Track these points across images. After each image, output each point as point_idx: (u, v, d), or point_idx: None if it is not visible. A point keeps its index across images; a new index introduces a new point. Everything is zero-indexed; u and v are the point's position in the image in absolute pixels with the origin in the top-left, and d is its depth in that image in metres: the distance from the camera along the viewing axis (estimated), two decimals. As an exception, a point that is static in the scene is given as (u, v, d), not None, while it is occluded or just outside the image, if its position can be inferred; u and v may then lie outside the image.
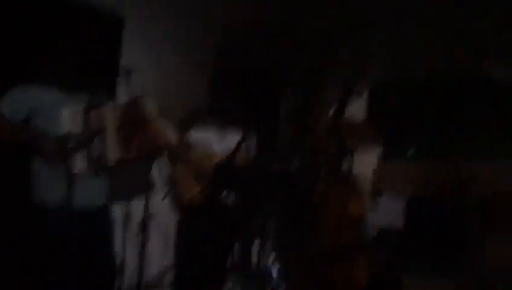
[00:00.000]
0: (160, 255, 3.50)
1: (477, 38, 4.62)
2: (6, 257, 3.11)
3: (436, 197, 6.98)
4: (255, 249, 3.16)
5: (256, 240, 3.16)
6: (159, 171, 2.62)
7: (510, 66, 5.01)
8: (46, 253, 2.63)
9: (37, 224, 2.69)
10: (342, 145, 3.38)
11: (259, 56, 4.56)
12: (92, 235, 2.69)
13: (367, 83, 5.56)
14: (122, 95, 3.04)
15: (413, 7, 4.24)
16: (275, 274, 2.88)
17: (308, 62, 5.08)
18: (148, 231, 2.33)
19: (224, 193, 3.11)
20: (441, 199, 6.97)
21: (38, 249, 2.70)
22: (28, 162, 2.70)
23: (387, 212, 4.94)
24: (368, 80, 5.58)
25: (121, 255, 3.00)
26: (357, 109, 4.30)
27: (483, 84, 6.58)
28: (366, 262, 3.15)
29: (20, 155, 2.79)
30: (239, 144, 3.08)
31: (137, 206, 3.13)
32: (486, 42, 4.70)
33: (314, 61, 5.06)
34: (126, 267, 3.05)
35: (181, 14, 4.13)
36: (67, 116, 2.54)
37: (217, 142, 3.45)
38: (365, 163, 4.59)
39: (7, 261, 3.12)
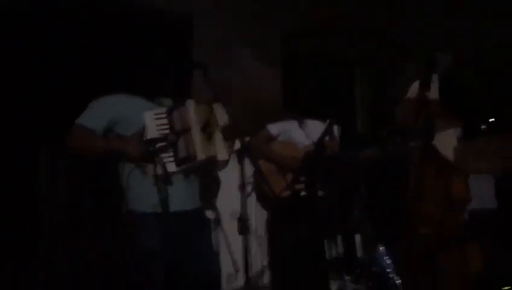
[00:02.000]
0: (255, 256, 3.42)
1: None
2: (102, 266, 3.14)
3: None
4: (357, 243, 3.01)
5: (357, 233, 3.00)
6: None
7: None
8: (143, 260, 2.55)
9: (133, 231, 2.62)
10: (430, 122, 3.22)
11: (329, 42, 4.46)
12: (190, 238, 2.62)
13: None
14: (199, 93, 2.99)
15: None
16: (386, 268, 2.71)
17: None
18: (248, 230, 2.23)
19: (313, 183, 2.98)
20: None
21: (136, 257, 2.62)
22: (117, 172, 2.68)
23: (476, 193, 4.64)
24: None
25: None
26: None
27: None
28: (478, 247, 2.96)
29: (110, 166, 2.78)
30: (325, 131, 2.95)
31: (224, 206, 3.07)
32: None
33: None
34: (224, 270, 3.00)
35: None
36: (150, 120, 2.50)
37: (296, 132, 3.36)
38: (445, 144, 4.37)
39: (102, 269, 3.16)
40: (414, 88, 3.57)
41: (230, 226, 3.17)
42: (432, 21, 4.59)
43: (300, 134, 3.33)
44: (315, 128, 3.31)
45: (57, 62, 3.48)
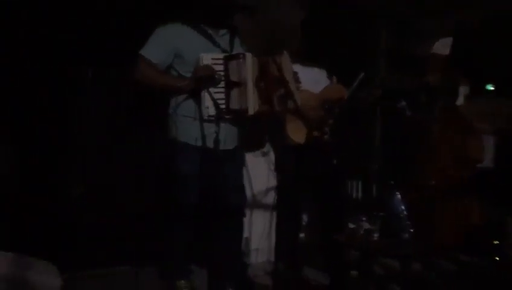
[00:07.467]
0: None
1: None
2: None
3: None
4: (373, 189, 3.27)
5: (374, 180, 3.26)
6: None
7: None
8: (180, 182, 2.83)
9: (175, 156, 2.87)
10: (455, 83, 3.42)
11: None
12: (225, 169, 2.89)
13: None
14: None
15: None
16: (400, 213, 3.01)
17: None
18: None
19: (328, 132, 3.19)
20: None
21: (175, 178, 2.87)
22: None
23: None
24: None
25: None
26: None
27: None
28: (477, 203, 3.26)
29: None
30: (358, 83, 3.13)
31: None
32: None
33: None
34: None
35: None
36: (207, 61, 2.66)
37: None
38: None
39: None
40: (440, 45, 3.71)
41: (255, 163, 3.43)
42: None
43: (306, 80, 3.32)
44: (317, 74, 3.43)
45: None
